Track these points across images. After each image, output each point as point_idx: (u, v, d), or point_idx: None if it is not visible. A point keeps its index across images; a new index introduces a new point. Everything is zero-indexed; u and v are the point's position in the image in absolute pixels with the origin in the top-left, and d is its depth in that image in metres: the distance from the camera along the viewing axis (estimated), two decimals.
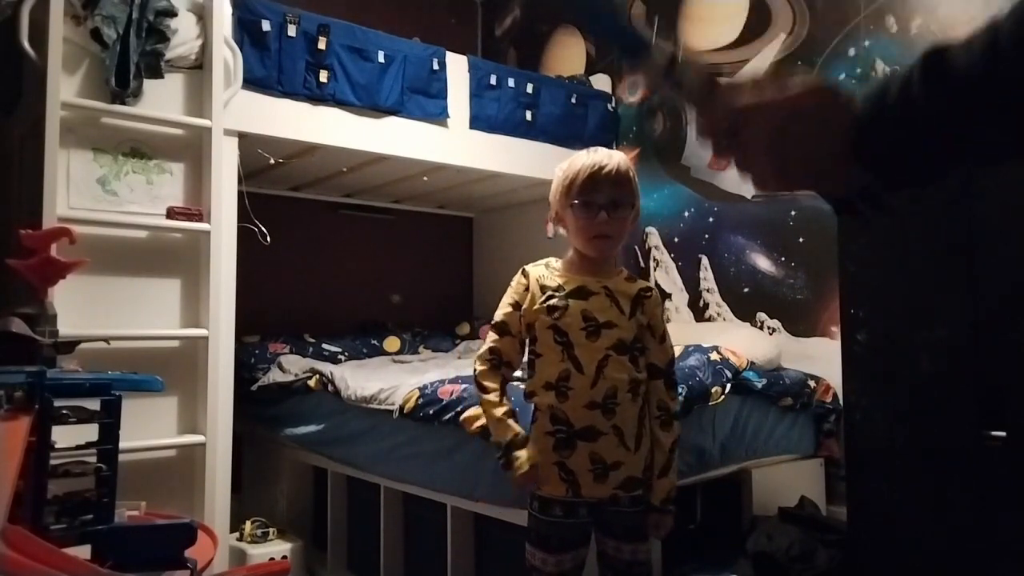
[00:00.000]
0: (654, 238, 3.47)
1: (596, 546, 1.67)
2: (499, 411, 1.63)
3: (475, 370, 1.68)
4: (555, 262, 1.72)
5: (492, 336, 1.69)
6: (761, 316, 3.07)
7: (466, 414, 2.12)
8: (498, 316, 1.70)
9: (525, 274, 1.70)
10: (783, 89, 0.72)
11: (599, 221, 1.60)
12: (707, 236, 3.28)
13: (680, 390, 2.20)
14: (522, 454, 1.59)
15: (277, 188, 3.57)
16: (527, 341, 1.69)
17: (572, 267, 1.69)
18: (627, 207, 1.63)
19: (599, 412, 1.58)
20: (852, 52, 2.82)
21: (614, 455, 1.59)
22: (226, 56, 2.47)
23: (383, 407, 2.49)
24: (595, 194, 1.60)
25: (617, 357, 1.61)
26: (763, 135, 0.71)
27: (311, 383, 2.90)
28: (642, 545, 1.65)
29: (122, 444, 1.43)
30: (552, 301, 1.62)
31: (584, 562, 1.66)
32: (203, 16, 2.45)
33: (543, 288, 1.65)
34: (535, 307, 1.64)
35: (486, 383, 1.65)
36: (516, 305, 1.67)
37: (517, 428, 1.62)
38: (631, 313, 1.65)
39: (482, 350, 1.69)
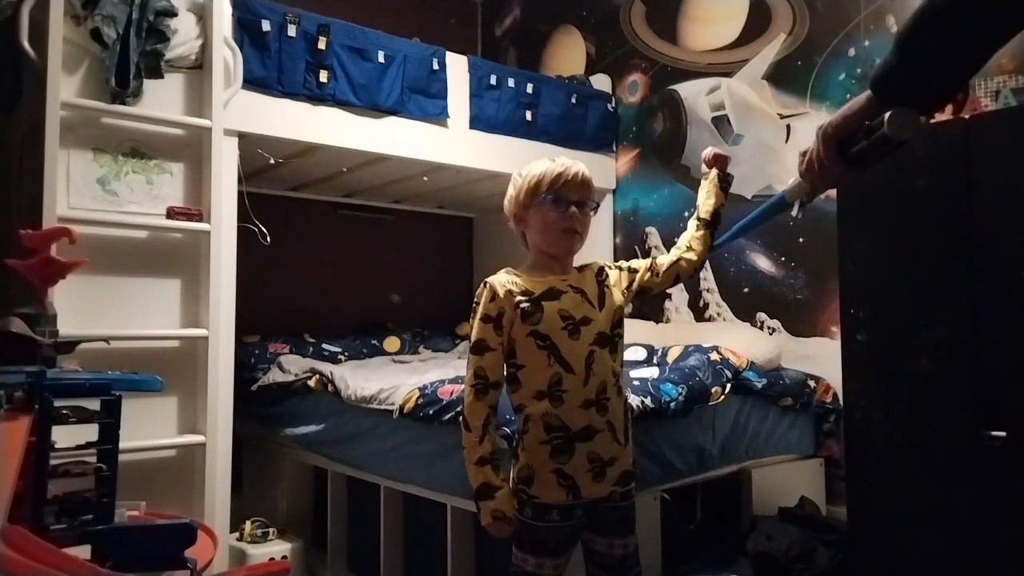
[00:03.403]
0: (654, 238, 3.47)
1: (583, 546, 1.66)
2: (475, 455, 1.57)
3: (463, 400, 1.62)
4: (514, 270, 1.68)
5: (473, 358, 1.60)
6: (761, 316, 3.07)
7: None
8: (473, 336, 1.62)
9: (488, 285, 1.63)
10: None
11: (570, 215, 1.63)
12: None
13: (679, 390, 2.21)
14: (489, 504, 1.55)
15: (277, 188, 3.57)
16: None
17: (536, 271, 1.67)
18: (590, 207, 1.67)
19: (594, 410, 1.59)
20: (852, 52, 2.82)
21: (609, 451, 1.60)
22: (226, 56, 2.47)
23: (383, 407, 2.48)
24: (565, 191, 1.63)
25: (600, 351, 1.62)
26: None
27: (311, 383, 2.90)
28: (632, 537, 1.67)
29: (122, 444, 1.44)
30: (524, 306, 1.60)
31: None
32: (203, 16, 2.45)
33: (511, 294, 1.61)
34: (509, 314, 1.60)
35: (471, 420, 1.58)
36: (487, 318, 1.60)
37: (489, 476, 1.57)
38: (600, 303, 1.66)
39: (466, 376, 1.61)
